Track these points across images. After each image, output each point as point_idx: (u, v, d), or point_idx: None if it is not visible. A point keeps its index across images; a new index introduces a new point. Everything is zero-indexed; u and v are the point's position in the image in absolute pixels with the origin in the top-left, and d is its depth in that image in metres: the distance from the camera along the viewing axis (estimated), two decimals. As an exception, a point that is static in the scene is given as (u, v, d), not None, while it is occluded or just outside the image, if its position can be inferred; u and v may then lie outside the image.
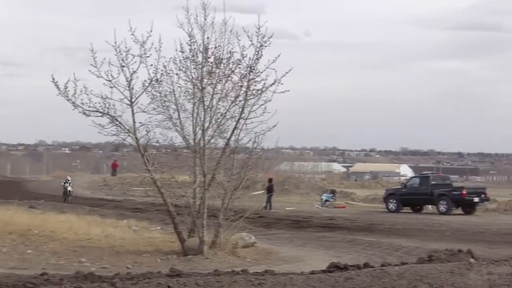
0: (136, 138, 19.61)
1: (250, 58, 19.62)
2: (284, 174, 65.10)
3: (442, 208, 40.88)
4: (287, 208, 41.83)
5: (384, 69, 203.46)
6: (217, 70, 19.88)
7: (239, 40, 19.43)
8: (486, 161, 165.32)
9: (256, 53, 19.49)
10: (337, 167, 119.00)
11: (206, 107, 19.71)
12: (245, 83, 19.61)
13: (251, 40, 19.35)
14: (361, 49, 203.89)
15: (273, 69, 19.21)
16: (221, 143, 20.01)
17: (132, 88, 19.43)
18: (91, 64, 19.00)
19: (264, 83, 19.47)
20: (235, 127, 19.72)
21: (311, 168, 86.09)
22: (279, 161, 78.13)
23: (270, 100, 19.50)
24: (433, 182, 42.97)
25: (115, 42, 19.05)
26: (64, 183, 42.15)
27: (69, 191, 41.18)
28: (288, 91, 19.47)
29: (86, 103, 19.16)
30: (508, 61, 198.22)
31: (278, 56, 19.34)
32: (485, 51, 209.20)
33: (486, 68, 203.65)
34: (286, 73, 19.35)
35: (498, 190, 50.68)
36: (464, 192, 41.37)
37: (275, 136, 20.69)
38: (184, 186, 20.66)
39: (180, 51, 19.77)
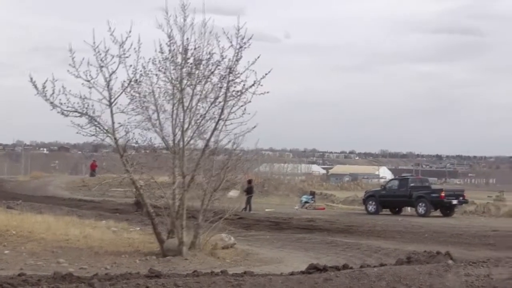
0: (115, 138, 19.58)
1: (229, 59, 19.66)
2: (263, 176, 65.11)
3: (421, 210, 41.14)
4: (266, 210, 41.87)
5: (364, 72, 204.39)
6: (197, 71, 19.88)
7: (219, 41, 19.48)
8: (465, 164, 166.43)
9: (236, 54, 19.52)
10: (317, 169, 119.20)
11: (185, 108, 19.71)
12: (225, 85, 19.65)
13: (230, 42, 19.41)
14: (340, 51, 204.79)
15: (253, 71, 19.26)
16: (200, 144, 20.05)
17: (111, 89, 19.39)
18: (69, 64, 18.96)
19: (244, 85, 19.51)
20: (215, 128, 19.76)
21: (290, 170, 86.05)
22: (259, 163, 77.95)
23: (249, 102, 19.55)
24: (412, 184, 43.20)
25: (94, 43, 19.00)
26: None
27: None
28: (267, 92, 19.57)
29: (65, 103, 19.10)
30: (487, 64, 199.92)
31: (258, 57, 19.37)
32: (464, 54, 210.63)
33: (465, 71, 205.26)
34: (266, 74, 19.42)
35: (476, 193, 50.95)
36: (443, 194, 41.64)
37: (255, 138, 20.78)
38: (163, 187, 20.66)
39: (159, 52, 19.76)
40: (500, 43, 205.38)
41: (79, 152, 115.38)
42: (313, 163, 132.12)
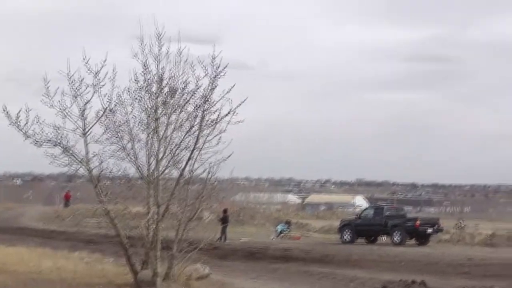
0: (88, 168, 19.46)
1: (204, 88, 19.58)
2: (239, 205, 64.98)
3: (396, 239, 41.20)
4: (242, 239, 41.73)
5: (337, 99, 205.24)
6: (172, 100, 19.80)
7: (194, 70, 19.43)
8: (440, 192, 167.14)
9: (211, 83, 19.47)
10: (293, 198, 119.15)
11: (160, 137, 19.61)
12: (200, 114, 19.57)
13: (205, 70, 19.36)
14: (315, 79, 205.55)
15: (228, 99, 19.22)
16: (175, 173, 19.90)
17: (86, 118, 19.29)
18: (43, 94, 18.86)
19: (219, 114, 19.45)
20: (190, 158, 19.62)
21: (266, 199, 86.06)
22: (234, 192, 78.02)
23: (225, 131, 19.48)
24: (387, 213, 43.30)
25: (69, 72, 18.92)
26: None
27: None
28: (243, 121, 19.51)
29: (38, 133, 18.96)
30: (460, 92, 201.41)
31: (233, 86, 19.32)
32: (437, 82, 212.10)
33: (439, 99, 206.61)
34: (241, 103, 19.31)
35: (451, 221, 51.07)
36: (418, 223, 41.74)
37: (230, 167, 20.61)
38: (137, 217, 20.51)
39: (134, 81, 19.68)
40: (473, 71, 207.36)
41: (54, 182, 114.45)
42: (289, 192, 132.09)
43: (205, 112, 19.59)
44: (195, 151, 19.61)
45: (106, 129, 19.65)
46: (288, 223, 49.64)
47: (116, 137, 19.75)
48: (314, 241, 44.23)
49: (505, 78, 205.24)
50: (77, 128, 19.29)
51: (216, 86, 19.51)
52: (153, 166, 19.61)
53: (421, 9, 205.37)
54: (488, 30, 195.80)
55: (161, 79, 19.69)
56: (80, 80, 19.00)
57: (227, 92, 19.21)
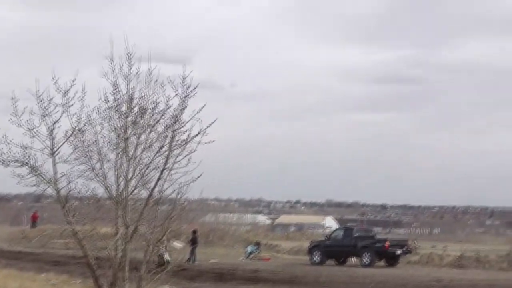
0: (56, 188, 19.26)
1: (175, 108, 19.51)
2: (208, 226, 64.76)
3: (366, 260, 41.25)
4: (211, 261, 41.55)
5: (309, 120, 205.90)
6: (142, 120, 19.69)
7: (164, 90, 19.36)
8: (409, 214, 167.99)
9: (181, 103, 19.41)
10: (262, 219, 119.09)
11: (130, 157, 19.46)
12: (170, 134, 19.48)
13: (176, 90, 19.30)
14: (286, 100, 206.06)
15: (198, 119, 19.16)
16: (144, 194, 19.76)
17: (54, 138, 19.12)
18: (11, 113, 18.68)
19: (189, 134, 19.37)
20: (159, 178, 19.47)
21: (236, 219, 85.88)
22: (204, 213, 77.84)
23: (195, 151, 19.41)
24: (356, 234, 43.37)
25: (37, 91, 18.77)
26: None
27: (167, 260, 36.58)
28: (213, 141, 19.47)
29: (6, 153, 18.76)
30: (429, 113, 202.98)
31: (203, 106, 19.25)
32: (407, 103, 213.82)
33: (408, 120, 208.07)
34: (211, 123, 19.29)
35: (420, 243, 51.29)
36: (387, 244, 41.84)
37: (200, 187, 20.58)
38: (106, 238, 20.32)
39: (104, 101, 19.53)
40: (441, 92, 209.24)
41: (21, 202, 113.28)
42: (259, 213, 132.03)
43: (175, 132, 19.49)
44: (164, 171, 19.48)
45: (75, 149, 19.47)
46: (257, 244, 49.57)
47: (85, 157, 19.57)
48: (283, 262, 44.15)
49: (473, 99, 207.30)
50: (45, 147, 19.11)
51: (186, 106, 19.45)
52: (122, 187, 19.45)
53: (392, 31, 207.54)
54: (456, 52, 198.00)
55: (131, 99, 19.56)
56: (48, 99, 18.88)
57: (197, 112, 19.16)
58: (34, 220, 62.21)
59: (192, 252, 41.28)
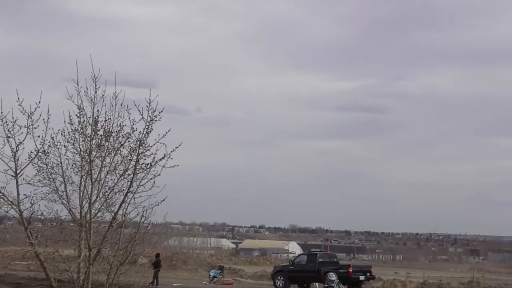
0: (19, 210, 19.13)
1: (140, 132, 19.53)
2: (172, 249, 64.61)
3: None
4: (174, 284, 41.42)
5: (272, 146, 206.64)
6: (106, 143, 19.70)
7: (130, 114, 19.38)
8: (373, 240, 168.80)
9: (146, 127, 19.43)
10: (226, 243, 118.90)
11: (94, 180, 19.45)
12: (135, 157, 19.49)
13: (141, 114, 19.32)
14: (249, 126, 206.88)
15: (163, 144, 19.20)
16: (108, 217, 19.74)
17: (18, 159, 19.03)
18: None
19: (154, 158, 19.39)
20: (123, 201, 19.45)
21: (200, 243, 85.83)
22: (168, 236, 77.62)
23: (159, 175, 19.42)
24: (320, 260, 43.51)
25: (1, 113, 18.70)
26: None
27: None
28: (177, 165, 19.46)
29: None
30: (392, 142, 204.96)
31: (169, 131, 19.31)
32: (368, 131, 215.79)
33: (369, 148, 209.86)
34: (176, 147, 19.33)
35: (383, 269, 51.59)
36: (351, 270, 42.00)
37: (164, 211, 20.58)
38: (68, 260, 20.22)
39: (69, 123, 19.51)
40: (402, 121, 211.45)
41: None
42: (222, 237, 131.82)
43: (139, 156, 19.50)
44: (128, 194, 19.48)
45: (39, 171, 19.41)
46: (221, 268, 49.54)
47: (49, 179, 19.51)
48: (246, 287, 44.09)
49: (434, 129, 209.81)
50: (9, 169, 19.02)
51: (151, 130, 19.49)
52: (85, 209, 19.41)
53: (354, 60, 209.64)
54: (417, 83, 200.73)
55: (96, 122, 19.57)
56: (13, 121, 18.82)
57: (163, 137, 19.20)
58: (-3, 242, 61.91)
59: (155, 276, 41.11)
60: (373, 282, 43.62)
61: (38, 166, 19.45)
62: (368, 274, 42.45)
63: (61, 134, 19.49)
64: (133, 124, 19.40)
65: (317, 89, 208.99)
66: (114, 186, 19.60)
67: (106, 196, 19.56)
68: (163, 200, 19.36)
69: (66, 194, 19.49)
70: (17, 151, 18.96)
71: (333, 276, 18.66)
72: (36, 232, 19.42)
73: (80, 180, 19.51)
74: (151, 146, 19.40)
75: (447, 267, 74.69)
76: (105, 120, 19.61)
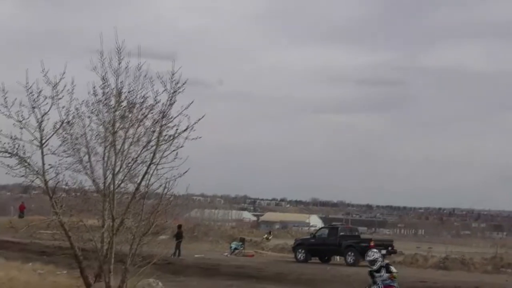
0: (45, 180, 19.37)
1: (163, 103, 19.61)
2: (194, 221, 64.95)
3: (350, 259, 41.42)
4: (195, 255, 41.71)
5: (293, 120, 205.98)
6: (130, 115, 19.82)
7: (153, 85, 19.48)
8: (394, 214, 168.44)
9: (169, 99, 19.50)
10: (248, 216, 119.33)
11: (117, 151, 19.60)
12: (158, 129, 19.60)
13: (164, 86, 19.39)
14: (270, 100, 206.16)
15: (186, 115, 19.26)
16: (131, 187, 19.90)
17: (43, 130, 19.26)
18: (1, 104, 18.80)
19: (177, 129, 19.49)
20: (146, 172, 19.57)
21: (221, 216, 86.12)
22: (189, 208, 77.93)
23: (182, 146, 19.47)
24: (341, 233, 43.56)
25: (27, 83, 18.89)
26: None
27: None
28: (200, 137, 19.54)
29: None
30: (415, 117, 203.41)
31: (191, 102, 19.34)
32: (392, 106, 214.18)
33: (392, 123, 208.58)
34: (199, 119, 19.34)
35: (405, 243, 51.57)
36: (372, 244, 42.00)
37: (186, 183, 20.66)
38: (92, 230, 20.45)
39: (92, 94, 19.68)
40: (426, 96, 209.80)
41: (8, 193, 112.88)
42: (244, 209, 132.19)
43: (162, 127, 19.61)
44: (151, 166, 19.60)
45: (63, 141, 19.66)
46: (242, 240, 49.75)
47: (73, 150, 19.75)
48: (267, 259, 44.34)
49: (457, 104, 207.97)
50: (34, 139, 19.26)
51: (174, 102, 19.57)
52: (109, 180, 19.60)
53: (376, 34, 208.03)
54: (438, 57, 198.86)
55: (119, 93, 19.71)
56: (38, 91, 19.02)
57: (186, 108, 19.24)
58: (21, 211, 62.41)
59: (177, 247, 41.43)
60: (394, 256, 43.59)
61: (63, 136, 19.71)
62: (389, 248, 42.45)
63: (85, 105, 19.69)
64: (156, 95, 19.51)
65: (340, 63, 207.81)
66: (137, 158, 19.72)
67: (129, 167, 19.70)
68: (186, 172, 19.43)
69: (90, 165, 19.71)
70: (42, 121, 19.22)
71: (375, 254, 16.44)
72: (60, 202, 19.68)
73: (104, 151, 19.70)
74: (174, 118, 19.51)
75: (470, 242, 74.41)
76: (129, 92, 19.74)
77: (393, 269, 16.55)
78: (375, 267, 16.31)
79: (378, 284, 16.28)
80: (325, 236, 44.03)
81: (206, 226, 63.99)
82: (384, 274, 16.31)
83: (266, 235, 59.90)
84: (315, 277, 31.40)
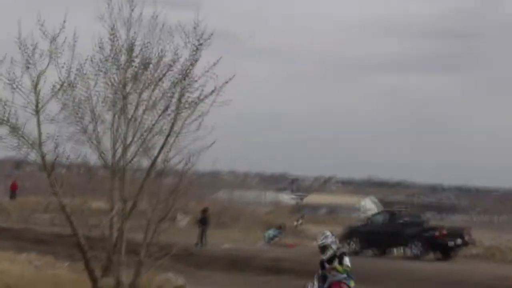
0: (41, 153, 19.44)
1: (184, 61, 19.59)
2: (221, 204, 65.09)
3: (413, 251, 41.27)
4: (224, 246, 41.90)
5: (341, 83, 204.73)
6: (144, 74, 19.81)
7: (172, 38, 19.44)
8: (466, 197, 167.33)
9: (193, 55, 19.50)
10: (287, 198, 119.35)
11: (129, 118, 19.66)
12: (178, 91, 19.61)
13: (186, 39, 19.35)
14: (312, 59, 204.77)
15: (213, 75, 19.21)
16: (146, 163, 19.95)
17: (39, 92, 19.32)
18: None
19: (201, 92, 19.48)
20: (164, 144, 19.63)
21: (255, 198, 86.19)
22: (216, 188, 78.18)
23: (207, 113, 19.50)
24: (403, 220, 43.39)
25: (20, 36, 18.96)
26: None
27: None
28: (230, 102, 19.51)
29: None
30: (494, 77, 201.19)
31: (219, 59, 19.32)
32: (466, 63, 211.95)
33: (467, 84, 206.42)
34: (229, 79, 19.37)
35: (481, 232, 51.12)
36: (441, 233, 41.81)
37: (212, 157, 20.64)
38: (98, 214, 20.57)
39: (99, 50, 19.65)
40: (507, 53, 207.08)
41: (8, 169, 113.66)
42: (282, 190, 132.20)
43: (184, 90, 19.63)
44: (170, 136, 19.65)
45: (64, 107, 19.68)
46: (280, 228, 49.81)
47: (76, 117, 19.76)
48: (311, 250, 44.30)
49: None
50: (29, 103, 19.31)
51: (198, 59, 19.58)
52: (119, 153, 19.65)
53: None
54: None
55: (131, 48, 19.73)
56: (33, 46, 19.07)
57: (213, 66, 19.24)
58: (13, 190, 63.00)
59: (202, 235, 41.65)
60: (466, 249, 43.32)
61: (63, 101, 19.70)
62: (463, 238, 42.16)
63: (90, 63, 19.65)
64: (176, 51, 19.53)
65: (401, 12, 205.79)
66: (153, 127, 19.73)
67: (144, 138, 19.71)
68: (212, 144, 19.45)
69: (96, 135, 19.69)
70: (38, 82, 19.27)
71: (325, 239, 14.98)
72: (60, 180, 19.71)
73: (113, 118, 19.72)
74: (198, 78, 19.53)
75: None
76: (143, 47, 19.72)
77: (346, 260, 15.41)
78: (325, 256, 15.33)
79: (328, 279, 15.16)
80: (384, 223, 43.88)
81: (236, 210, 64.09)
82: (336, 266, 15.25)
83: (300, 220, 60.01)
84: (371, 273, 31.16)
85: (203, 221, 42.68)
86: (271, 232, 48.51)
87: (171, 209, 19.87)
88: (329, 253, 15.16)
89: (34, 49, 19.12)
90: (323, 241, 15.22)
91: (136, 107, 19.71)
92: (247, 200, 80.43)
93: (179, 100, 19.61)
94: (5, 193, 69.08)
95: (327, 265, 15.23)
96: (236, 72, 19.83)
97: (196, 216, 42.69)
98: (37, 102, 19.36)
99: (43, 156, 19.54)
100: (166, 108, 19.77)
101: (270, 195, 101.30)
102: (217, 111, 19.64)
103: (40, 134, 19.47)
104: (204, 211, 43.50)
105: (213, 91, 19.32)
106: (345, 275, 15.09)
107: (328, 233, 15.58)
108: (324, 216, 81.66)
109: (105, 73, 19.80)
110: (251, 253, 37.88)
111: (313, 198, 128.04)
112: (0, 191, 76.55)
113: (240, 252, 37.69)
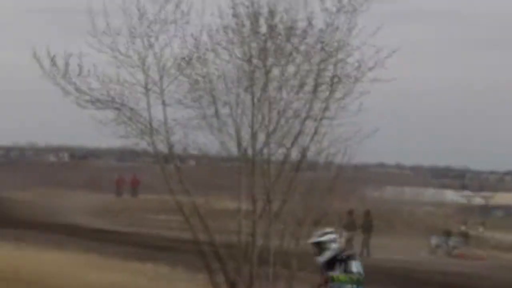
0: (169, 143, 19.47)
1: (337, 28, 19.40)
2: (368, 204, 64.54)
3: None
4: (395, 256, 41.39)
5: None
6: (288, 45, 19.65)
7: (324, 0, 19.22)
8: None
9: (348, 21, 19.31)
10: (453, 196, 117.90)
11: (270, 99, 19.52)
12: (332, 66, 19.42)
13: (338, 3, 19.13)
14: (491, 21, 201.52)
15: (374, 46, 18.95)
16: (293, 153, 19.80)
17: (163, 68, 19.37)
18: (88, 32, 18.98)
19: (360, 67, 19.26)
20: (315, 132, 19.53)
21: (427, 197, 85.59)
22: (363, 184, 77.61)
23: (367, 93, 19.24)
24: None
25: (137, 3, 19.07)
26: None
27: None
28: (395, 79, 19.25)
29: (88, 90, 19.13)
30: None
31: (380, 26, 19.05)
32: None
33: None
34: (393, 52, 19.09)
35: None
36: None
37: (371, 148, 20.42)
38: (225, 215, 20.41)
39: (232, 16, 19.59)
40: None
41: (111, 161, 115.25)
42: (462, 188, 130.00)
43: (338, 64, 19.43)
44: (322, 121, 19.47)
45: (192, 86, 19.64)
46: (463, 235, 49.08)
47: (206, 98, 19.69)
48: (507, 264, 43.22)
49: None
50: (148, 84, 19.42)
51: (354, 26, 19.35)
52: (260, 142, 19.50)
53: None
54: None
55: (272, 13, 19.60)
56: (153, 15, 19.14)
57: (373, 35, 18.98)
58: (134, 187, 63.94)
59: (365, 242, 41.80)
60: None
61: (189, 78, 19.69)
62: None
63: (223, 31, 19.54)
64: (330, 17, 19.28)
65: None
66: (300, 110, 19.55)
67: (289, 123, 19.54)
68: (375, 131, 19.22)
69: (233, 120, 19.51)
70: (161, 57, 19.32)
71: (321, 237, 13.35)
72: (180, 174, 19.65)
73: (252, 99, 19.54)
74: (355, 50, 19.31)
75: None
76: (284, 11, 19.50)
77: (355, 266, 13.95)
78: (322, 259, 13.66)
79: None
80: None
81: (390, 211, 63.49)
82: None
83: (480, 228, 59.00)
84: None
85: (366, 226, 42.76)
86: (451, 241, 47.80)
87: (327, 211, 19.64)
88: (326, 254, 13.98)
89: (154, 18, 19.11)
90: (318, 238, 13.68)
91: (281, 86, 19.55)
92: (401, 198, 79.93)
93: (333, 76, 19.38)
94: (114, 189, 69.77)
95: (336, 273, 13.95)
96: (399, 40, 19.63)
97: (341, 220, 42.45)
98: (161, 81, 19.39)
99: (171, 147, 19.57)
100: (316, 86, 19.55)
101: (447, 194, 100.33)
102: (378, 91, 19.45)
103: (165, 119, 19.55)
104: (350, 213, 43.46)
105: (374, 66, 19.07)
106: (349, 286, 13.78)
107: (329, 230, 14.42)
108: (501, 219, 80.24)
109: (241, 45, 19.67)
110: (426, 266, 37.46)
111: (502, 198, 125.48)
112: (108, 187, 77.49)
113: (410, 265, 37.19)
